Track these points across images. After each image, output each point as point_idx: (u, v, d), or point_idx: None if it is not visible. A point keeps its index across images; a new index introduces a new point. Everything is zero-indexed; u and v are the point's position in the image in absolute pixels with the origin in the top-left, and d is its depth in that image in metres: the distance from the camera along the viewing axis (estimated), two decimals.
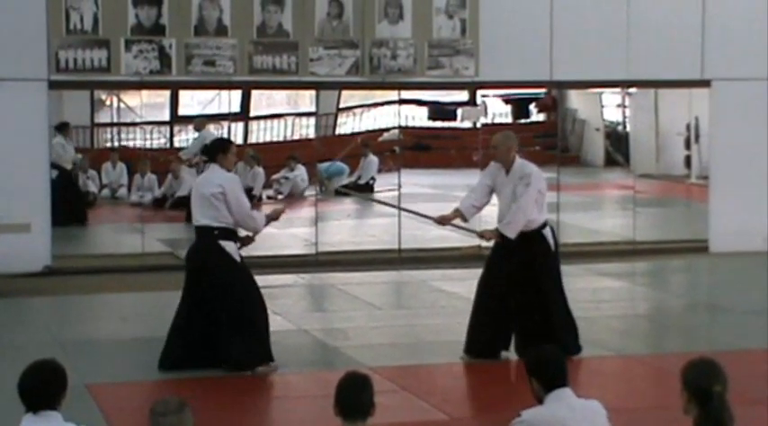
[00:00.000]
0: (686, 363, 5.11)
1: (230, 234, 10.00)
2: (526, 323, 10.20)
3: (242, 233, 10.27)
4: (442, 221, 10.69)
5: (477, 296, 10.49)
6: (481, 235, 10.48)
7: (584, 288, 14.25)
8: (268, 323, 10.17)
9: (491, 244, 10.48)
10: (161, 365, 10.03)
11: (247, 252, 10.47)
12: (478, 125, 21.49)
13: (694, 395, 4.97)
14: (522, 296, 10.24)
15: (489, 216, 10.84)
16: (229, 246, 9.95)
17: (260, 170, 21.86)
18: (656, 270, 16.19)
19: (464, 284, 12.81)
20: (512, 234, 10.16)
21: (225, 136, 20.26)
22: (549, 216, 10.67)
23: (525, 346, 9.98)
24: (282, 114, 24.68)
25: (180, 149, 21.66)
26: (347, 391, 5.38)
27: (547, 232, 10.33)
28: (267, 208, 21.33)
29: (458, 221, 10.57)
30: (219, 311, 9.87)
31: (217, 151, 10.11)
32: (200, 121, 20.58)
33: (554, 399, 5.74)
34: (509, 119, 27.43)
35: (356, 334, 11.65)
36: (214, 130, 21.43)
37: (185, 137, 22.96)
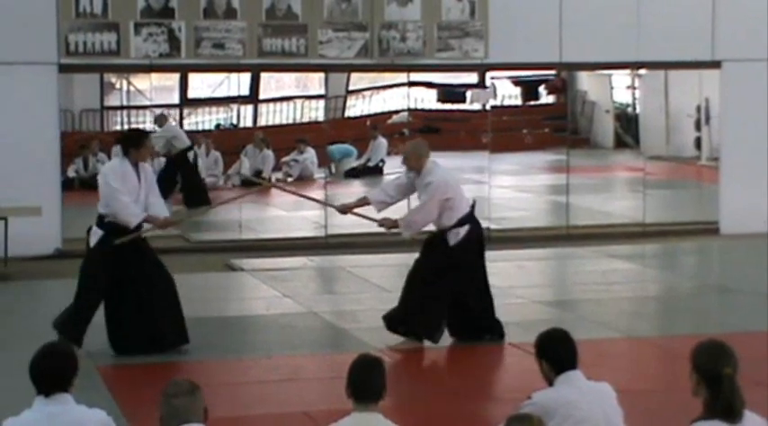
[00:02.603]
0: (696, 345, 5.10)
1: (101, 220, 10.14)
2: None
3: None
4: (344, 210, 10.86)
5: None
6: (381, 223, 10.59)
7: (594, 270, 14.27)
8: (77, 314, 10.18)
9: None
10: None
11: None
12: (488, 107, 21.48)
13: (704, 378, 4.96)
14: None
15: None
16: (94, 231, 10.13)
17: (269, 153, 21.86)
18: (666, 252, 16.18)
19: None
20: (407, 233, 10.40)
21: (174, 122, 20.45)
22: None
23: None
24: (291, 97, 24.67)
25: (189, 132, 21.64)
26: (360, 373, 5.39)
27: (458, 230, 10.29)
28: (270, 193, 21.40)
29: (361, 210, 10.74)
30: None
31: (129, 145, 10.19)
32: (161, 117, 20.66)
33: (564, 381, 5.74)
34: (518, 101, 27.39)
35: (366, 317, 11.65)
36: (224, 114, 21.42)
37: (195, 120, 22.97)
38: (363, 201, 10.70)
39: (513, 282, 13.22)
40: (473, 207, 10.45)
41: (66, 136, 18.04)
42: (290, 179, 22.35)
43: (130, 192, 10.04)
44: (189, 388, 4.93)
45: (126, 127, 22.78)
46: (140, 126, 22.30)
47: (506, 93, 26.98)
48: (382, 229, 10.70)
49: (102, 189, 10.08)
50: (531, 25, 16.14)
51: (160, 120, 20.56)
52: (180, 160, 19.40)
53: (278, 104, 24.58)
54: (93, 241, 10.15)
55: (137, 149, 10.14)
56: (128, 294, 10.07)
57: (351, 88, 25.12)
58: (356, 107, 25.75)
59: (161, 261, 10.32)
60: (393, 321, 10.41)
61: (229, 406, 8.39)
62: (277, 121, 24.51)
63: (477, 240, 10.46)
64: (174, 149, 19.46)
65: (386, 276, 14.07)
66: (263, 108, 24.24)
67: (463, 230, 10.28)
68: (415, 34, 15.91)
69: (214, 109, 23.55)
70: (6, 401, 6.66)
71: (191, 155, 19.87)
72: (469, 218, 10.36)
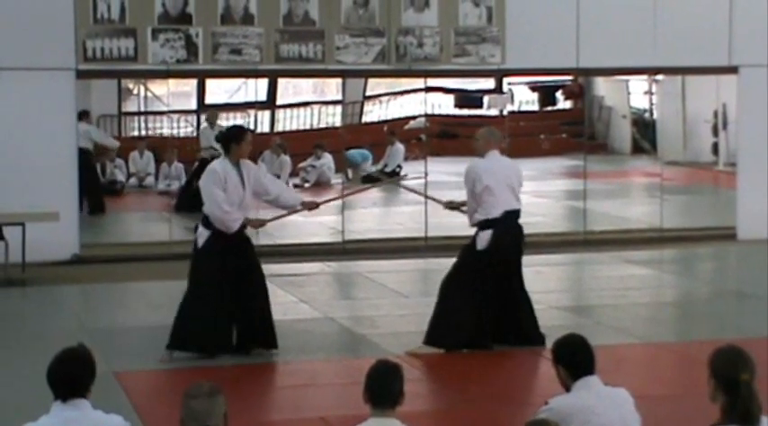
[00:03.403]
0: (714, 351, 5.10)
1: (207, 220, 10.01)
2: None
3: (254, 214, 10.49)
4: (450, 206, 10.97)
5: None
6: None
7: (612, 276, 14.25)
8: (200, 319, 9.99)
9: None
10: None
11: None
12: (505, 112, 21.47)
13: (721, 384, 4.95)
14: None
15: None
16: (201, 233, 10.01)
17: (286, 158, 21.90)
18: (683, 258, 16.14)
19: None
20: (470, 222, 10.48)
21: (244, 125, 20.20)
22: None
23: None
24: (309, 102, 24.70)
25: None
26: (378, 379, 5.39)
27: (482, 235, 10.31)
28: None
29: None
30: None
31: (230, 140, 10.06)
32: (212, 113, 20.43)
33: (581, 387, 5.73)
34: (535, 107, 27.37)
35: (383, 322, 11.66)
36: (241, 120, 21.37)
37: None
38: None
39: (531, 288, 13.09)
40: (509, 214, 10.35)
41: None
42: (306, 184, 22.38)
43: (233, 193, 9.88)
44: (209, 391, 4.93)
45: (143, 133, 22.89)
46: (158, 132, 22.39)
47: (523, 98, 26.98)
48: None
49: (204, 192, 9.91)
50: (547, 31, 16.13)
51: (211, 116, 20.21)
52: None
53: (295, 110, 24.61)
54: (200, 241, 9.99)
55: (237, 144, 9.94)
56: (228, 293, 10.00)
57: (368, 94, 25.15)
58: (373, 112, 25.77)
59: (260, 264, 10.32)
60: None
61: (247, 411, 8.39)
62: (294, 127, 24.55)
63: (509, 247, 10.38)
64: (216, 153, 19.33)
65: (403, 281, 14.09)
66: (280, 113, 24.28)
67: (487, 234, 10.27)
68: (432, 40, 15.92)
69: (231, 114, 23.58)
70: (24, 406, 6.68)
71: None
72: (496, 223, 10.29)
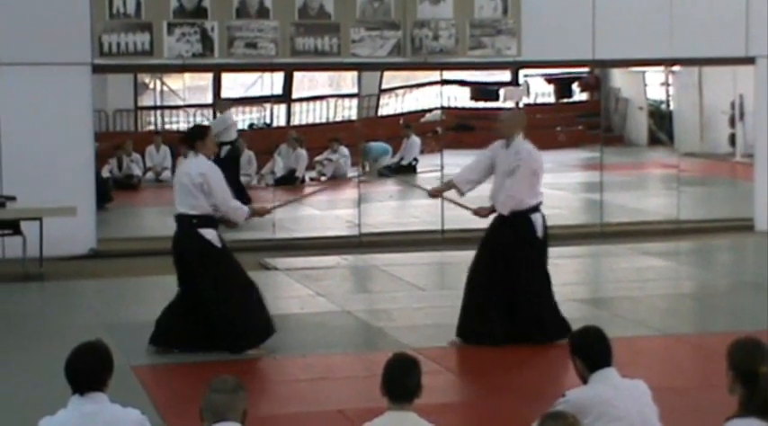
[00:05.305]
0: (732, 342, 5.09)
1: (209, 221, 9.98)
2: (508, 309, 10.28)
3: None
4: (434, 193, 10.96)
5: (467, 277, 10.52)
6: (476, 212, 10.49)
7: (629, 268, 14.22)
8: (259, 306, 10.12)
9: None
10: (152, 341, 10.14)
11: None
12: (521, 105, 21.44)
13: (740, 375, 4.94)
14: (504, 280, 10.29)
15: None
16: (209, 233, 9.94)
17: (303, 152, 21.92)
18: (700, 249, 16.10)
19: None
20: (504, 210, 10.22)
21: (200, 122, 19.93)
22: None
23: (507, 331, 10.26)
24: (325, 96, 24.73)
25: None
26: (395, 373, 5.40)
27: (536, 218, 10.30)
28: (309, 190, 21.48)
29: (454, 197, 10.66)
30: (211, 299, 9.92)
31: (195, 138, 10.08)
32: (224, 101, 20.22)
33: (598, 379, 5.73)
34: (552, 99, 27.34)
35: (400, 315, 11.66)
36: (257, 113, 21.34)
37: None
38: (450, 185, 10.62)
39: None
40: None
41: (100, 136, 18.14)
42: (323, 178, 22.41)
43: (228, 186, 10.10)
44: (232, 387, 4.97)
45: (159, 127, 22.95)
46: (174, 126, 22.44)
47: (539, 90, 26.96)
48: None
49: (217, 190, 9.87)
50: (563, 22, 16.09)
51: (221, 106, 19.79)
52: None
53: (311, 103, 24.65)
54: (215, 242, 9.96)
55: (202, 141, 10.00)
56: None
57: (384, 87, 25.17)
58: (389, 105, 25.79)
59: None
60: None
61: (265, 405, 8.41)
62: (310, 120, 24.58)
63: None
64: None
65: (420, 274, 14.08)
66: (296, 107, 24.32)
67: (540, 217, 10.33)
68: (448, 32, 15.90)
69: (247, 108, 23.62)
70: (42, 400, 6.70)
71: (224, 150, 19.69)
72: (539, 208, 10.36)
